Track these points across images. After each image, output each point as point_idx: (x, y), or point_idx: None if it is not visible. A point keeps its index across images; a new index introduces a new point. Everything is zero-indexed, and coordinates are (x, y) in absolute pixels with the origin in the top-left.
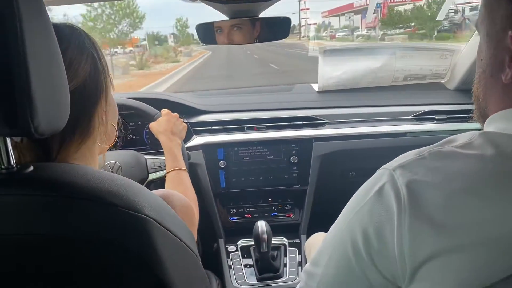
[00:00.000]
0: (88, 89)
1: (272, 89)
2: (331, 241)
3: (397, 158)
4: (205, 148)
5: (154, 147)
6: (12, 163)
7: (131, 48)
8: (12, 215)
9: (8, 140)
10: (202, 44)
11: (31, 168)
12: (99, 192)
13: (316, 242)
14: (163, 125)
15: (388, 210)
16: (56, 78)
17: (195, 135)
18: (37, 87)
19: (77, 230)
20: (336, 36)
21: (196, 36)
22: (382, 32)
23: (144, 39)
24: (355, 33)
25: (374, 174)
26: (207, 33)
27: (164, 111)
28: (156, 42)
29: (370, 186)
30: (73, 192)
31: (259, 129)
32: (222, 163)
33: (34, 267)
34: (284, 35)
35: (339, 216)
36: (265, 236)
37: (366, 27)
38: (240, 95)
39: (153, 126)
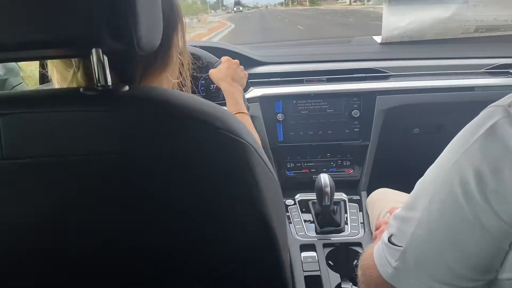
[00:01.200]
0: (165, 13)
1: (331, 41)
2: (431, 183)
3: (509, 95)
4: (263, 100)
5: (208, 98)
6: (108, 82)
7: None
8: (108, 132)
9: (105, 58)
10: (227, 10)
11: (127, 87)
12: (199, 113)
13: (380, 198)
14: (224, 72)
15: (506, 146)
16: None
17: (252, 87)
18: (140, 1)
19: (178, 148)
20: None
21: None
22: None
23: None
24: None
25: (482, 112)
26: None
27: (224, 58)
28: None
29: (480, 123)
30: (174, 111)
31: (318, 81)
32: (280, 116)
33: (130, 185)
34: None
35: (440, 158)
36: (328, 189)
37: None
38: (298, 46)
39: (213, 72)
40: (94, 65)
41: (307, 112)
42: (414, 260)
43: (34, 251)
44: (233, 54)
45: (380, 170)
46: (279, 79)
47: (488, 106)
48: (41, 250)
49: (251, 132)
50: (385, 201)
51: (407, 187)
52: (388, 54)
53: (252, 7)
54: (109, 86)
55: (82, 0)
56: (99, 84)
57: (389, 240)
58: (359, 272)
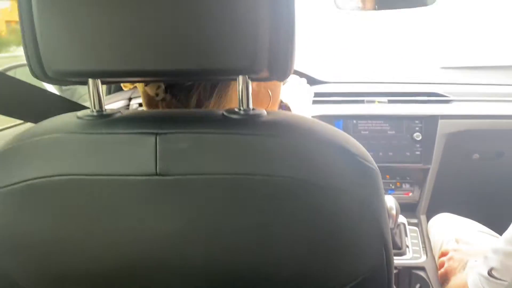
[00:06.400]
0: None
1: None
2: None
3: None
4: (323, 119)
5: None
6: (250, 106)
7: None
8: (254, 154)
9: (250, 83)
10: None
11: (265, 112)
12: (339, 139)
13: (443, 223)
14: (293, 90)
15: None
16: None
17: (313, 105)
18: (295, 34)
19: (318, 174)
20: None
21: None
22: None
23: None
24: None
25: None
26: None
27: (293, 76)
28: None
29: None
30: (317, 136)
31: (380, 102)
32: None
33: (270, 207)
34: (428, 2)
35: None
36: (394, 212)
37: None
38: (358, 66)
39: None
40: (239, 90)
41: (367, 132)
42: None
43: (163, 265)
44: (297, 73)
45: (439, 194)
46: (340, 98)
47: None
48: (170, 265)
49: None
50: (449, 227)
51: (466, 213)
52: (449, 79)
53: None
54: (251, 110)
55: (245, 33)
56: (241, 108)
57: (490, 274)
58: None
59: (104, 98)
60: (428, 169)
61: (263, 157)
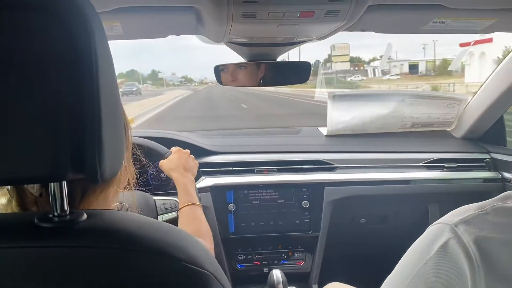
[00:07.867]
0: None
1: (280, 131)
2: None
3: (453, 212)
4: (214, 190)
5: (158, 187)
6: (66, 210)
7: None
8: (70, 268)
9: (64, 184)
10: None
11: (84, 215)
12: (161, 244)
13: None
14: (175, 162)
15: (458, 268)
16: (117, 122)
17: (203, 176)
18: (106, 131)
19: (139, 286)
20: None
21: None
22: None
23: None
24: None
25: (430, 229)
26: (224, 74)
27: (175, 148)
28: None
29: (430, 242)
30: (135, 244)
31: (269, 172)
32: (231, 206)
33: None
34: (304, 79)
35: (394, 274)
36: (281, 286)
37: None
38: (248, 136)
39: (164, 163)
40: (51, 195)
41: (258, 202)
42: None
43: None
44: (183, 144)
45: (331, 262)
46: (230, 168)
47: (435, 223)
48: None
49: (212, 258)
50: None
51: (357, 279)
52: (333, 147)
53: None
54: (66, 215)
55: (45, 138)
56: (56, 214)
57: None
58: None
59: None
60: (317, 237)
61: (75, 271)
